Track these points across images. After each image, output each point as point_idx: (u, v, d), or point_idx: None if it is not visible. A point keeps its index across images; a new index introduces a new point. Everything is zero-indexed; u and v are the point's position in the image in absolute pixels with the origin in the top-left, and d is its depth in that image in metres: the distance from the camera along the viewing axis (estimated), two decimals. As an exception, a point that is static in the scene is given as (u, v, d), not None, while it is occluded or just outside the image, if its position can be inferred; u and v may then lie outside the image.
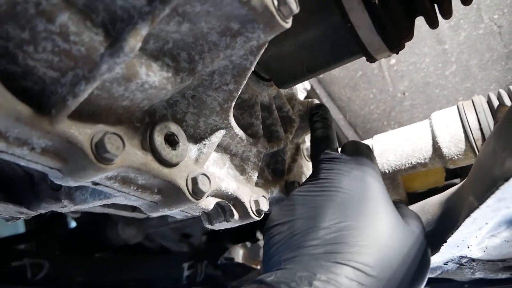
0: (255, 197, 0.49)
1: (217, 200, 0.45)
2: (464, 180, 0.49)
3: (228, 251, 1.19)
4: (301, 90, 0.71)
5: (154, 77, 0.32)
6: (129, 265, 1.17)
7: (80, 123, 0.30)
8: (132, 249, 1.36)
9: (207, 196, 0.42)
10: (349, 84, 1.09)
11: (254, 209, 0.48)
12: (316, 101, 0.65)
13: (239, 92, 0.40)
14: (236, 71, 0.38)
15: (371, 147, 0.78)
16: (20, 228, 1.52)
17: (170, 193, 0.38)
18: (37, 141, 0.28)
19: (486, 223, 0.42)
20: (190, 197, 0.38)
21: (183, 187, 0.38)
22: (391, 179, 0.76)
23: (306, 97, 0.71)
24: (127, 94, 0.31)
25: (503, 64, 0.97)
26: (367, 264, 0.37)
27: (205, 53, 0.35)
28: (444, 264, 0.55)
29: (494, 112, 0.66)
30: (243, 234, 1.21)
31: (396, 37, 0.44)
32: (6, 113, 0.25)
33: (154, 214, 0.42)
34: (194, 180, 0.38)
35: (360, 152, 0.49)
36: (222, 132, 0.43)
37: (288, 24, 0.34)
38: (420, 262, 0.41)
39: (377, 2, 0.40)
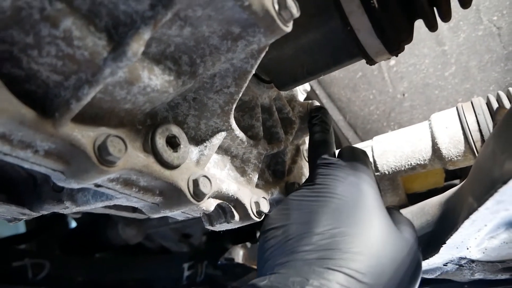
0: (255, 199, 0.49)
1: (218, 201, 0.45)
2: (463, 182, 0.50)
3: (228, 252, 1.19)
4: (301, 91, 0.71)
5: (156, 81, 0.32)
6: (130, 265, 1.17)
7: (83, 126, 0.30)
8: (132, 249, 1.36)
9: (208, 198, 0.42)
10: (349, 85, 1.09)
11: (254, 211, 0.48)
12: (316, 103, 0.65)
13: (240, 95, 0.40)
14: (237, 74, 0.38)
15: (371, 148, 0.78)
16: (21, 228, 1.52)
17: (172, 195, 0.39)
18: (40, 144, 0.28)
19: (485, 225, 0.42)
20: (191, 199, 0.39)
21: (184, 189, 0.38)
22: (391, 180, 0.76)
23: (306, 98, 0.71)
24: (129, 97, 0.32)
25: (502, 66, 0.97)
26: (359, 271, 0.37)
27: (206, 56, 0.35)
28: (444, 265, 0.55)
29: (493, 114, 0.66)
30: (243, 234, 1.21)
31: (395, 40, 0.44)
32: (11, 117, 0.25)
33: (155, 215, 0.42)
34: (195, 182, 0.39)
35: (356, 158, 0.49)
36: (223, 134, 0.43)
37: (288, 28, 0.34)
38: (412, 269, 0.42)
39: (376, 5, 0.40)
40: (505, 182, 0.34)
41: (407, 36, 0.46)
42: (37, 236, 1.31)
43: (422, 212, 0.57)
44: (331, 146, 0.54)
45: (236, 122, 0.45)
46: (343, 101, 1.11)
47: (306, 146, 0.69)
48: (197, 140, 0.43)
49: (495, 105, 0.67)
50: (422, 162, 0.72)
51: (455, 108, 0.73)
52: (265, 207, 0.49)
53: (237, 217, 0.47)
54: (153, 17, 0.27)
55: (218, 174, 0.46)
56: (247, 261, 1.19)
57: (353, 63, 0.49)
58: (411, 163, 0.73)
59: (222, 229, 0.50)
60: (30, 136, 0.27)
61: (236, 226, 0.50)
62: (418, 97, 1.06)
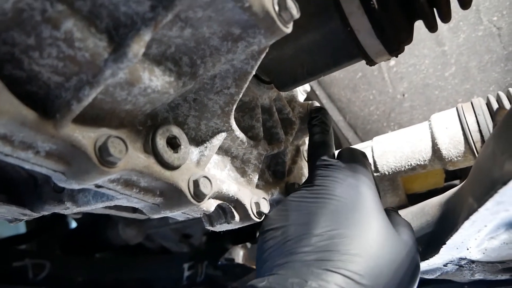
0: (255, 199, 0.49)
1: (218, 202, 0.45)
2: (463, 182, 0.50)
3: (228, 252, 1.19)
4: (301, 92, 0.71)
5: (157, 82, 0.32)
6: (130, 265, 1.17)
7: (84, 127, 0.30)
8: (132, 250, 1.36)
9: (208, 198, 0.42)
10: (349, 86, 1.09)
11: (254, 211, 0.48)
12: (316, 104, 0.65)
13: (240, 96, 0.40)
14: (237, 75, 0.39)
15: (371, 149, 0.78)
16: (21, 228, 1.52)
17: (172, 195, 0.39)
18: (41, 145, 0.28)
19: (485, 226, 0.42)
20: (192, 200, 0.39)
21: (184, 190, 0.38)
22: (391, 180, 0.76)
23: (306, 99, 0.71)
24: (130, 98, 0.32)
25: (502, 66, 0.97)
26: (357, 272, 0.37)
27: (206, 57, 0.35)
28: (444, 265, 0.55)
29: (493, 114, 0.66)
30: (244, 235, 1.21)
31: (395, 41, 0.45)
32: (12, 118, 0.25)
33: (156, 216, 0.42)
34: (196, 183, 0.39)
35: (355, 160, 0.49)
36: (223, 134, 0.43)
37: (288, 29, 0.34)
38: (410, 271, 0.42)
39: (376, 6, 0.40)
40: (505, 183, 0.34)
41: (407, 37, 0.46)
42: (37, 236, 1.31)
43: (422, 213, 0.57)
44: (330, 147, 0.54)
45: (236, 123, 0.45)
46: (343, 101, 1.11)
47: (306, 146, 0.69)
48: (198, 140, 0.43)
49: (495, 105, 0.67)
50: (422, 163, 0.72)
51: (455, 108, 0.73)
52: (265, 208, 0.50)
53: (237, 217, 0.47)
54: (154, 18, 0.27)
55: (218, 175, 0.46)
56: (247, 261, 1.19)
57: (353, 64, 0.49)
58: (411, 164, 0.73)
59: (222, 230, 0.50)
60: (31, 137, 0.27)
61: (236, 227, 0.50)
62: (418, 97, 1.06)
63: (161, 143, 0.37)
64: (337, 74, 1.08)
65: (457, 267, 0.55)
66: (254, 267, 1.16)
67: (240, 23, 0.32)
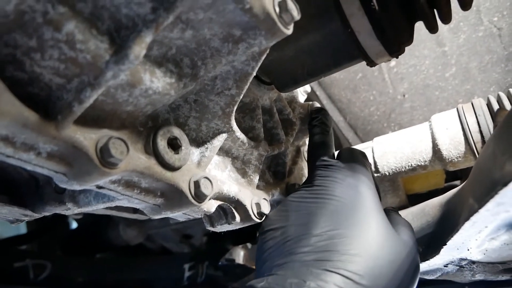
0: (256, 200, 0.49)
1: (219, 202, 0.45)
2: (464, 183, 0.50)
3: (229, 252, 1.19)
4: (301, 92, 0.71)
5: (158, 83, 0.32)
6: (130, 265, 1.17)
7: (85, 128, 0.30)
8: (133, 250, 1.36)
9: (209, 199, 0.42)
10: (349, 86, 1.09)
11: (255, 212, 0.48)
12: (317, 104, 0.65)
13: (241, 97, 0.40)
14: (238, 76, 0.39)
15: (371, 149, 0.78)
16: (22, 229, 1.52)
17: (173, 196, 0.39)
18: (43, 146, 0.28)
19: (486, 227, 0.42)
20: (193, 200, 0.39)
21: (185, 191, 0.38)
22: (391, 181, 0.76)
23: (306, 100, 0.71)
24: (131, 99, 0.32)
25: (502, 66, 0.97)
26: (356, 272, 0.37)
27: (207, 59, 0.35)
28: (444, 266, 0.55)
29: (493, 115, 0.66)
30: (244, 235, 1.21)
31: (396, 42, 0.45)
32: (14, 119, 0.25)
33: (157, 217, 0.43)
34: (197, 184, 0.39)
35: (355, 160, 0.49)
36: (224, 135, 0.43)
37: (289, 31, 0.34)
38: (410, 271, 0.42)
39: (377, 7, 0.40)
40: (505, 183, 0.34)
41: (408, 38, 0.46)
42: (38, 237, 1.31)
43: (422, 213, 0.57)
44: (330, 147, 0.54)
45: (237, 124, 0.45)
46: (343, 102, 1.12)
47: (307, 147, 0.69)
48: (198, 141, 0.43)
49: (495, 106, 0.67)
50: (422, 163, 0.72)
51: (455, 109, 0.73)
52: (266, 208, 0.50)
53: (238, 218, 0.48)
54: (155, 20, 0.27)
55: (219, 176, 0.46)
56: (247, 262, 1.19)
57: (354, 65, 0.49)
58: (411, 164, 0.73)
59: (223, 230, 0.50)
60: (33, 138, 0.27)
61: (237, 227, 0.50)
62: (418, 98, 1.06)
63: (162, 144, 0.37)
64: (337, 75, 1.08)
65: (458, 267, 0.55)
66: (255, 267, 1.16)
67: (241, 25, 0.32)
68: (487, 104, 0.69)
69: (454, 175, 0.82)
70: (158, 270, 1.17)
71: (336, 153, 0.55)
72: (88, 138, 0.30)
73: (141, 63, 0.31)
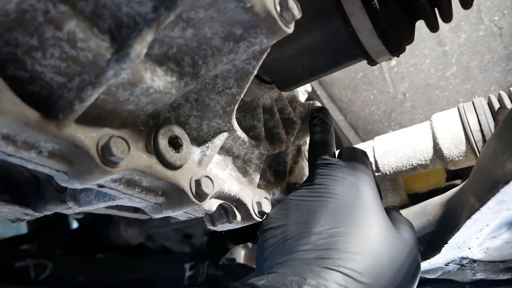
0: (257, 199, 0.49)
1: (219, 201, 0.45)
2: (465, 182, 0.50)
3: (229, 252, 1.19)
4: (302, 92, 0.71)
5: (159, 82, 0.32)
6: (131, 265, 1.17)
7: (86, 127, 0.30)
8: (134, 250, 1.36)
9: (210, 198, 0.42)
10: (350, 86, 1.09)
11: (256, 211, 0.48)
12: (317, 104, 0.65)
13: (242, 96, 0.40)
14: (239, 75, 0.39)
15: (372, 149, 0.78)
16: (23, 228, 1.52)
17: (174, 195, 0.39)
18: (44, 145, 0.28)
19: (487, 225, 0.42)
20: (194, 199, 0.39)
21: (186, 189, 0.38)
22: (392, 180, 0.76)
23: (307, 99, 0.71)
24: (132, 98, 0.32)
25: (503, 66, 0.97)
26: (356, 270, 0.37)
27: (208, 57, 0.35)
28: (445, 265, 0.55)
29: (494, 114, 0.66)
30: (245, 234, 1.21)
31: (396, 41, 0.45)
32: (15, 118, 0.25)
33: (158, 216, 0.43)
34: (198, 182, 0.39)
35: (356, 158, 0.49)
36: (225, 134, 0.44)
37: (290, 29, 0.34)
38: (412, 270, 0.42)
39: (378, 6, 0.40)
40: (507, 182, 0.34)
41: (408, 37, 0.46)
42: (39, 236, 1.31)
43: (423, 212, 0.57)
44: (331, 146, 0.54)
45: (237, 123, 0.45)
46: (344, 101, 1.11)
47: (307, 146, 0.69)
48: (199, 140, 0.43)
49: (496, 105, 0.67)
50: (423, 162, 0.72)
51: (456, 108, 0.73)
52: (266, 207, 0.50)
53: (239, 217, 0.48)
54: (156, 19, 0.27)
55: (220, 175, 0.46)
56: (248, 261, 1.19)
57: (354, 64, 0.49)
58: (412, 163, 0.73)
59: (224, 229, 0.50)
60: (34, 137, 0.27)
61: (238, 226, 0.50)
62: (419, 97, 1.06)
63: (163, 143, 0.37)
64: (338, 74, 1.08)
65: (459, 266, 0.55)
66: (255, 266, 1.16)
67: (241, 24, 0.32)
68: (488, 103, 0.69)
69: (455, 174, 0.82)
70: (158, 269, 1.17)
71: (337, 152, 0.55)
72: (89, 137, 0.30)
73: (142, 62, 0.31)
